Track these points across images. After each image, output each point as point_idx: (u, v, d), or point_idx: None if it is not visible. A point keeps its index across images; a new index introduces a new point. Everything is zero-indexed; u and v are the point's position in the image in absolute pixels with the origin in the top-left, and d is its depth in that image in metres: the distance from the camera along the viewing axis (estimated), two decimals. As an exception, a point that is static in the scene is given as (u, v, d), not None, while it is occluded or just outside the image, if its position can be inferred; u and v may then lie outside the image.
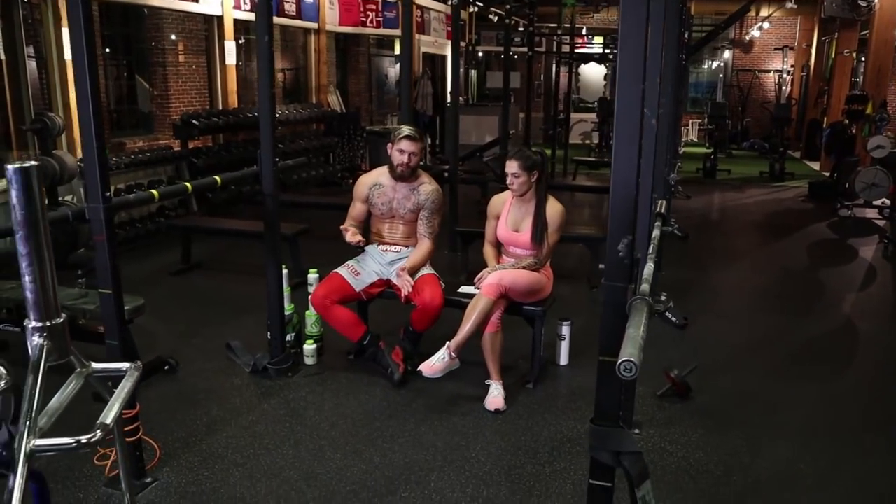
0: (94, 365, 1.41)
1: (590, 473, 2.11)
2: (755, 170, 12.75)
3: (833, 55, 13.41)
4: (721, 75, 18.04)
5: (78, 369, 1.35)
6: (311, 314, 4.02)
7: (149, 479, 2.89)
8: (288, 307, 3.97)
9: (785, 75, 17.20)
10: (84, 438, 1.21)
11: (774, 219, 9.03)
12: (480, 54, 17.69)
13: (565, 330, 4.05)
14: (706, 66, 18.92)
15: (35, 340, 1.24)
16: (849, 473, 3.08)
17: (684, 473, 3.01)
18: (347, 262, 3.90)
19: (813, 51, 15.53)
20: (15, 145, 6.69)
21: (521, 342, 4.00)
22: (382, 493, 2.82)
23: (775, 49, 17.49)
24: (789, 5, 13.81)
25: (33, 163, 1.18)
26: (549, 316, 3.88)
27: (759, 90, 17.89)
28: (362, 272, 3.85)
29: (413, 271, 3.80)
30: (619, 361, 1.63)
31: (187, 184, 3.21)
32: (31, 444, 1.11)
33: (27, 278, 1.21)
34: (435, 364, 3.46)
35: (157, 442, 3.13)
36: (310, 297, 3.92)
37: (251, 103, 9.69)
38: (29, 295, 1.22)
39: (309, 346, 3.99)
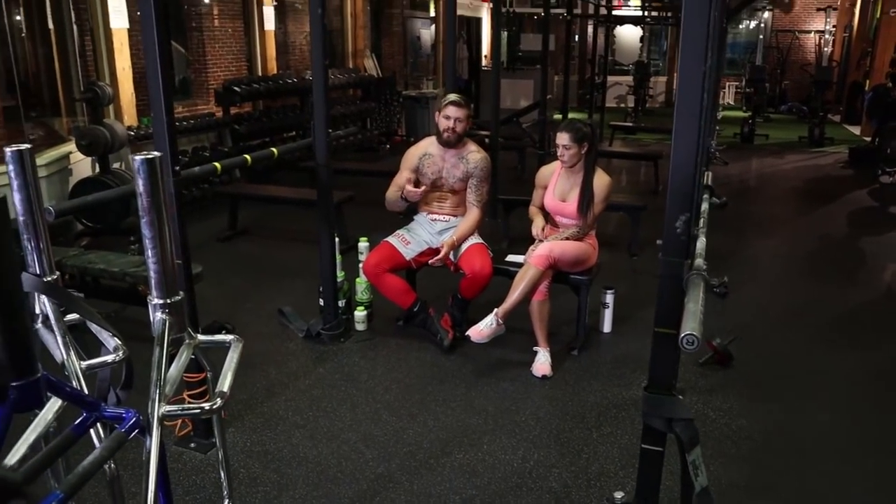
0: (201, 337, 1.54)
1: (642, 438, 2.22)
2: (794, 135, 12.57)
3: (878, 15, 13.07)
4: (760, 36, 17.66)
5: (187, 341, 1.47)
6: (361, 281, 4.15)
7: (216, 439, 3.05)
8: (339, 274, 4.10)
9: (827, 36, 16.79)
10: (206, 405, 1.34)
11: (814, 185, 8.95)
12: (513, 15, 17.51)
13: (609, 298, 4.14)
14: (743, 27, 18.52)
15: (158, 316, 1.37)
16: (892, 442, 3.15)
17: (727, 440, 3.10)
18: (397, 232, 4.01)
19: (857, 10, 15.12)
20: (64, 113, 6.86)
21: (565, 309, 4.10)
22: (438, 454, 2.95)
23: (818, 9, 17.06)
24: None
25: (157, 154, 1.28)
26: (594, 284, 3.97)
27: (798, 52, 17.51)
28: (412, 241, 3.96)
29: (461, 240, 3.90)
30: (683, 335, 1.71)
31: (247, 156, 3.32)
32: (162, 410, 1.24)
33: (151, 260, 1.33)
34: (483, 329, 3.57)
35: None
36: (361, 266, 4.05)
37: (288, 68, 9.77)
38: (153, 275, 1.34)
39: (360, 313, 4.12)
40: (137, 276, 3.92)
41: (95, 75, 6.70)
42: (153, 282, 1.35)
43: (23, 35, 6.65)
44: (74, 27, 6.73)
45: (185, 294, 2.86)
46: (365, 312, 4.14)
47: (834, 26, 16.86)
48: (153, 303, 1.37)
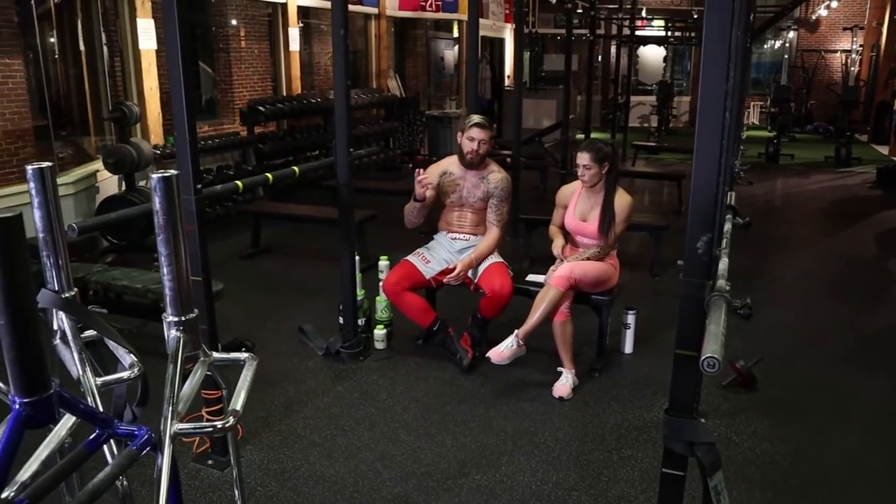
0: (215, 354, 1.54)
1: (663, 462, 2.18)
2: (820, 154, 12.43)
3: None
4: (785, 56, 17.55)
5: (202, 358, 1.48)
6: (381, 299, 4.15)
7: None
8: (359, 293, 4.10)
9: (854, 55, 16.63)
10: (219, 423, 1.34)
11: (840, 206, 8.83)
12: (536, 36, 17.58)
13: (630, 319, 4.10)
14: (768, 47, 18.42)
15: (173, 333, 1.37)
16: (920, 468, 3.07)
17: (751, 464, 3.04)
18: (418, 250, 4.01)
19: (884, 30, 14.98)
20: (93, 132, 6.99)
21: (586, 329, 4.06)
22: (455, 475, 2.93)
23: (844, 28, 16.92)
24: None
25: (174, 172, 1.30)
26: (615, 305, 3.93)
27: (824, 71, 17.36)
28: (432, 260, 3.95)
29: (479, 259, 3.89)
30: (703, 357, 1.68)
31: (269, 175, 3.35)
32: (174, 428, 1.24)
33: (167, 277, 1.34)
34: (503, 351, 3.54)
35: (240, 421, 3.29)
36: (381, 284, 4.05)
37: (312, 87, 9.87)
38: (168, 292, 1.35)
39: (379, 331, 4.12)
40: (159, 293, 3.96)
41: (124, 95, 6.82)
42: (168, 299, 1.35)
43: (55, 56, 6.80)
44: (105, 48, 6.87)
45: (205, 311, 2.89)
46: (384, 331, 4.14)
47: (861, 46, 16.71)
48: (168, 320, 1.38)
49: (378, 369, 3.90)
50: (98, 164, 6.13)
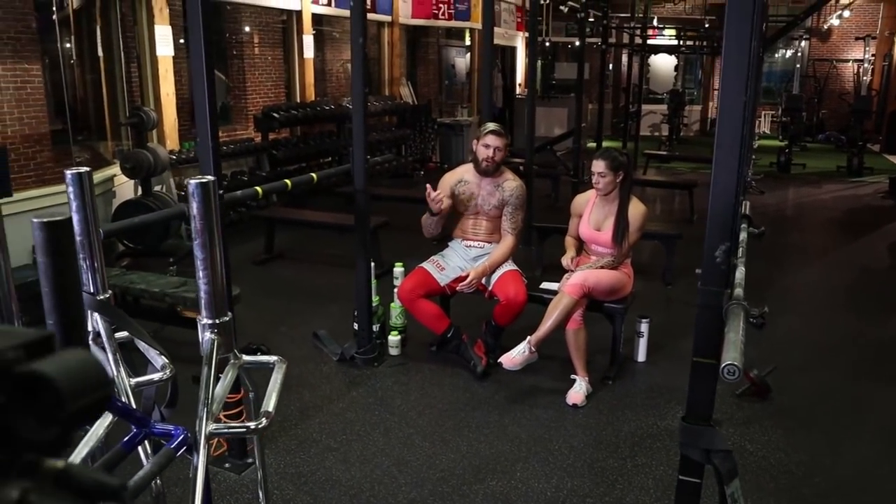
0: (245, 357, 1.57)
1: (679, 469, 2.19)
2: (832, 164, 12.40)
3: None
4: (797, 65, 17.53)
5: (232, 360, 1.51)
6: (395, 306, 4.18)
7: (250, 460, 3.08)
8: (374, 299, 4.13)
9: (866, 65, 16.60)
10: (252, 425, 1.37)
11: (853, 215, 8.81)
12: (548, 44, 17.63)
13: (644, 327, 4.11)
14: (780, 56, 18.41)
15: (207, 336, 1.41)
16: (935, 479, 3.07)
17: (765, 473, 3.05)
18: (432, 257, 4.04)
19: (896, 40, 14.97)
20: (110, 137, 7.06)
21: (599, 337, 4.07)
22: (471, 481, 2.95)
23: (856, 38, 16.89)
24: (872, -7, 13.36)
25: (211, 178, 1.33)
26: (629, 313, 3.95)
27: (836, 81, 17.33)
28: (447, 267, 3.98)
29: (493, 267, 3.91)
30: (724, 365, 1.71)
31: (287, 181, 3.39)
32: (209, 428, 1.27)
33: (202, 281, 1.37)
34: (515, 357, 3.56)
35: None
36: (396, 291, 4.08)
37: (325, 94, 9.93)
38: (203, 295, 1.38)
39: (394, 338, 4.14)
40: (177, 297, 4.00)
41: (141, 101, 6.89)
42: (203, 302, 1.38)
43: (73, 62, 6.88)
44: (122, 54, 6.95)
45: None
46: (399, 337, 4.16)
47: (873, 55, 16.68)
48: (203, 322, 1.41)
49: (392, 375, 3.93)
50: (115, 169, 6.19)
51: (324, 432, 3.33)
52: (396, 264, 4.38)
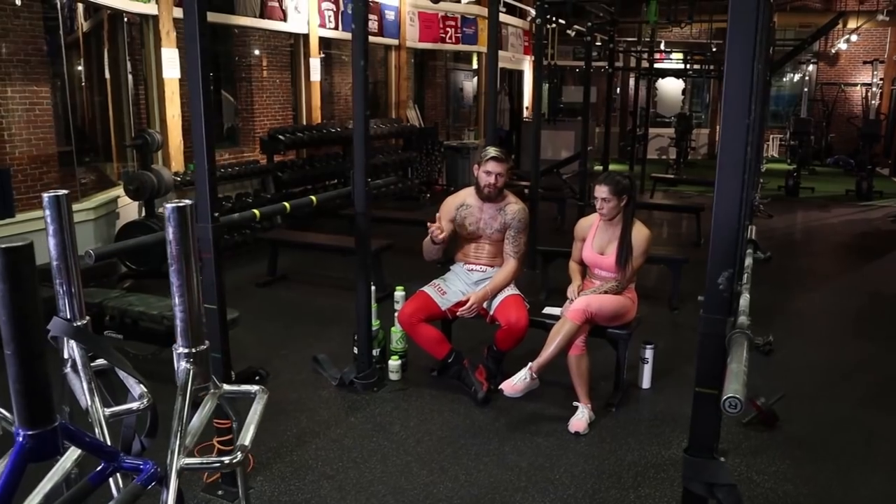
0: (226, 387, 1.52)
1: (682, 503, 2.12)
2: (840, 188, 12.33)
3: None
4: (805, 89, 17.51)
5: (212, 390, 1.45)
6: (396, 330, 4.12)
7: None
8: (374, 323, 4.08)
9: (874, 89, 16.56)
10: (227, 459, 1.32)
11: (862, 240, 8.72)
12: (555, 67, 17.67)
13: (648, 353, 4.03)
14: (787, 80, 18.40)
15: (182, 365, 1.36)
16: (949, 513, 2.97)
17: (773, 505, 2.96)
18: (434, 281, 3.98)
19: (904, 64, 14.93)
20: (116, 158, 7.07)
21: (603, 363, 4.01)
22: (469, 511, 2.87)
23: (864, 62, 16.88)
24: (880, 17, 13.34)
25: (188, 202, 1.29)
26: (633, 338, 3.88)
27: (844, 104, 17.28)
28: (448, 291, 3.93)
29: (495, 291, 3.86)
30: (725, 398, 1.64)
31: (286, 203, 3.35)
32: (181, 462, 1.22)
33: (178, 308, 1.32)
34: (516, 384, 3.49)
35: (251, 451, 3.26)
36: (397, 315, 4.02)
37: (332, 117, 9.96)
38: (179, 323, 1.33)
39: (394, 362, 4.08)
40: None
41: (147, 123, 6.91)
42: (179, 330, 1.34)
43: (82, 84, 6.92)
44: (129, 77, 6.99)
45: (219, 340, 2.88)
46: (399, 362, 4.10)
47: (881, 79, 16.64)
48: (178, 351, 1.36)
49: (392, 401, 3.86)
50: (119, 190, 6.19)
51: (320, 459, 3.26)
52: (398, 288, 4.32)
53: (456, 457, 3.28)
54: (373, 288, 4.03)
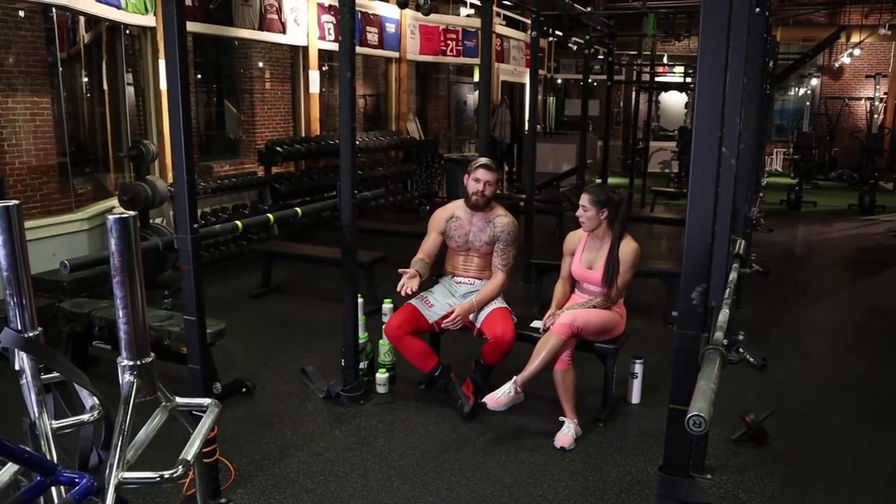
0: (178, 399, 1.50)
1: (658, 522, 2.09)
2: (843, 202, 12.27)
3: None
4: (808, 103, 17.48)
5: (163, 403, 1.43)
6: (384, 343, 4.10)
7: (223, 500, 2.98)
8: (362, 335, 4.06)
9: (877, 103, 16.51)
10: (167, 473, 1.29)
11: (863, 255, 8.65)
12: (560, 81, 17.71)
13: (637, 368, 3.99)
14: (792, 94, 18.37)
15: (126, 378, 1.34)
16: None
17: (759, 524, 2.92)
18: (421, 294, 3.96)
19: (908, 78, 14.89)
20: (112, 169, 7.09)
21: (592, 377, 3.97)
22: (448, 527, 2.83)
23: (867, 76, 16.84)
24: (882, 31, 13.32)
25: (132, 213, 1.27)
26: (623, 351, 3.84)
27: (848, 118, 17.23)
28: (435, 304, 3.90)
29: (481, 304, 3.83)
30: (689, 416, 1.61)
31: (270, 215, 3.34)
32: (119, 477, 1.19)
33: (122, 321, 1.31)
34: (500, 397, 3.45)
35: (233, 463, 3.24)
36: (383, 328, 4.00)
37: (332, 129, 9.98)
38: (123, 335, 1.32)
39: (381, 375, 4.06)
40: (161, 331, 3.95)
41: (144, 134, 6.93)
42: (123, 342, 1.32)
43: (87, 95, 6.96)
44: (127, 88, 7.01)
45: (199, 352, 2.86)
46: (387, 375, 4.07)
47: (885, 94, 16.60)
48: (122, 364, 1.34)
49: (377, 414, 3.83)
50: (114, 201, 6.20)
51: (302, 472, 3.23)
52: (385, 300, 4.30)
53: (439, 471, 3.25)
54: (361, 300, 4.01)
